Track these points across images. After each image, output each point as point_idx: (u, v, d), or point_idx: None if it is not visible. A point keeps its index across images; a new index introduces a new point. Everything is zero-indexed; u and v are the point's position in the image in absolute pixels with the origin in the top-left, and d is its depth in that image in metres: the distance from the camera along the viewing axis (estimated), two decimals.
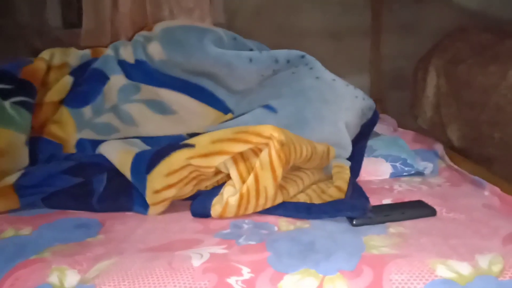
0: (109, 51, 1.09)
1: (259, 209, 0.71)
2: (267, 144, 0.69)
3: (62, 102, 1.02)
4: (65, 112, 0.99)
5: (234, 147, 0.71)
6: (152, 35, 1.12)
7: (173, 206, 0.78)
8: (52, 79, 1.03)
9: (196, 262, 0.55)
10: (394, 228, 0.62)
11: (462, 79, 1.37)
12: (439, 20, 1.75)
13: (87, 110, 1.00)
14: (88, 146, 0.95)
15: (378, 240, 0.58)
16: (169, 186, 0.74)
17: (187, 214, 0.74)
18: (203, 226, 0.69)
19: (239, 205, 0.69)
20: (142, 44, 1.10)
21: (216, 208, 0.71)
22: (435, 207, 0.68)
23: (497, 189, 0.72)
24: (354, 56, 1.81)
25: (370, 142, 1.00)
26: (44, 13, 1.95)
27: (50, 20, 1.96)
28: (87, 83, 1.03)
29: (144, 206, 0.76)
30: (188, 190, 0.78)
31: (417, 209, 0.67)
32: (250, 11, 1.84)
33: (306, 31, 1.80)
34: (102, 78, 1.03)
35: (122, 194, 0.80)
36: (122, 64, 1.06)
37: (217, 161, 0.72)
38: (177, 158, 0.73)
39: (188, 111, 1.04)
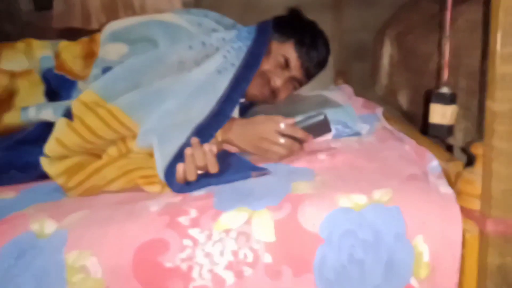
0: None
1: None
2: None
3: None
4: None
5: None
6: None
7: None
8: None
9: (153, 208, 0.67)
10: (320, 176, 0.74)
11: (409, 48, 1.49)
12: None
13: None
14: None
15: (305, 184, 0.70)
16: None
17: None
18: None
19: None
20: None
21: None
22: (360, 159, 0.81)
23: (414, 142, 0.85)
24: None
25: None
26: None
27: (21, 3, 2.00)
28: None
29: None
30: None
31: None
32: None
33: (271, 6, 1.87)
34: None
35: None
36: None
37: None
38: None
39: None
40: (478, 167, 0.56)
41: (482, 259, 0.55)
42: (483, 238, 0.55)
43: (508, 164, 0.52)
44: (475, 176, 0.56)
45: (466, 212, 0.58)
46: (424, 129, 0.82)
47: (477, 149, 0.56)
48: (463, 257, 0.58)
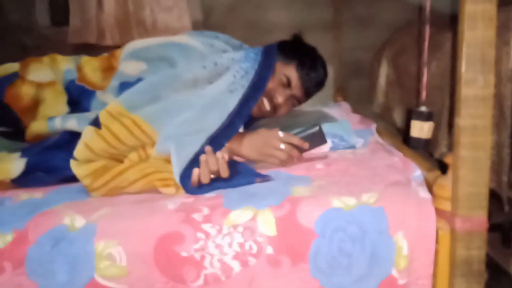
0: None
1: None
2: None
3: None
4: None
5: None
6: None
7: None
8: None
9: (171, 206, 0.77)
10: (317, 182, 0.84)
11: (403, 68, 1.60)
12: (393, 14, 1.94)
13: None
14: None
15: (303, 189, 0.80)
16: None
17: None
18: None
19: None
20: None
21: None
22: (352, 168, 0.91)
23: (401, 154, 0.95)
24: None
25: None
26: (33, 12, 2.11)
27: (39, 18, 2.12)
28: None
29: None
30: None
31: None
32: (224, 8, 2.02)
33: (274, 26, 2.00)
34: None
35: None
36: None
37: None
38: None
39: None
40: (449, 174, 0.66)
41: (452, 252, 0.65)
42: (453, 234, 0.65)
43: (472, 171, 0.62)
44: (447, 182, 0.66)
45: (439, 213, 0.68)
46: (405, 141, 0.92)
47: (449, 159, 0.66)
48: (436, 251, 0.67)
